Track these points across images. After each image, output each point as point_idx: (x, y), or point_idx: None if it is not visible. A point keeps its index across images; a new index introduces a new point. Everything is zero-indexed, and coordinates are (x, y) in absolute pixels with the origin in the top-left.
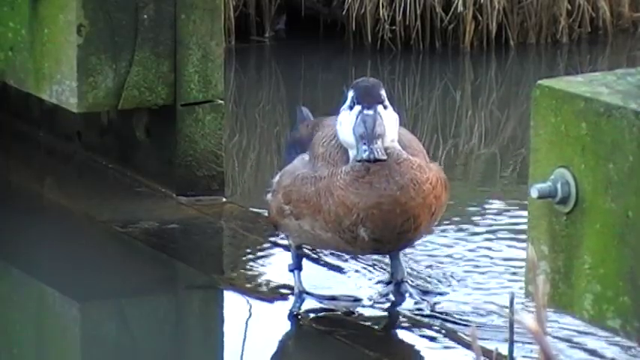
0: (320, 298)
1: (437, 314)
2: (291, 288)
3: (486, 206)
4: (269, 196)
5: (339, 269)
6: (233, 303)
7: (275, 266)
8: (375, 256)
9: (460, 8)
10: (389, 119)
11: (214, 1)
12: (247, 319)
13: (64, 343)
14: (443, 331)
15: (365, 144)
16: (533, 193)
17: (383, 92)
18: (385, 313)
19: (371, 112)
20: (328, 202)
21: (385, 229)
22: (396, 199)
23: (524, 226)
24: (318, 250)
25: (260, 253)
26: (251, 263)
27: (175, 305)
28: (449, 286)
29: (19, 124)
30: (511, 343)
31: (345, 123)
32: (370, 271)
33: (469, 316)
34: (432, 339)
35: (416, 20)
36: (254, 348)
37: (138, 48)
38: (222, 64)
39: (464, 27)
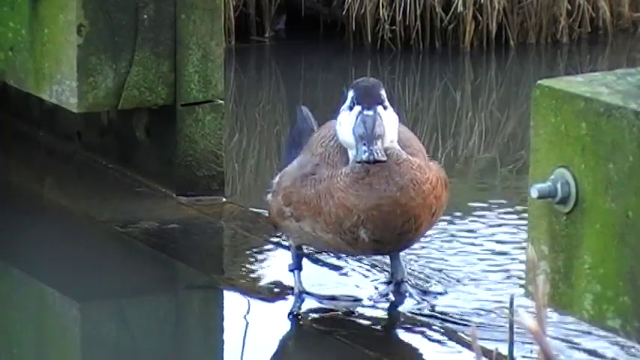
0: (320, 298)
1: (437, 314)
2: (291, 288)
3: (486, 206)
4: (269, 196)
5: (339, 269)
6: (233, 303)
7: (275, 266)
8: (375, 257)
9: (460, 8)
10: (389, 120)
11: (214, 1)
12: (247, 319)
13: (64, 343)
14: (443, 331)
15: (365, 145)
16: (533, 193)
17: (383, 92)
18: (385, 313)
19: (371, 112)
20: (328, 203)
21: (386, 230)
22: (396, 200)
23: (525, 226)
24: (318, 250)
25: (260, 253)
26: (251, 263)
27: (175, 305)
28: (449, 286)
29: (19, 124)
30: (511, 343)
31: (345, 123)
32: (370, 271)
33: (469, 316)
34: (432, 339)
35: (416, 20)
36: (254, 348)
37: (138, 48)
38: (222, 64)
39: (464, 27)
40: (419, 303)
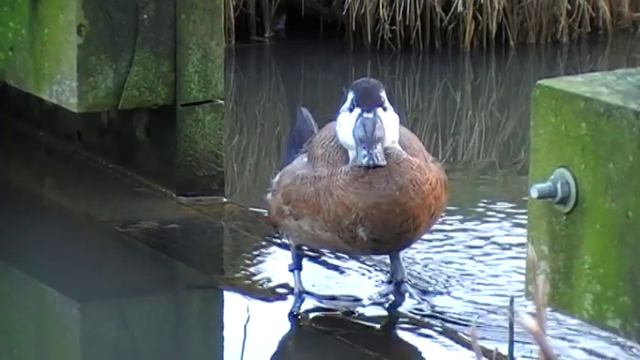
0: (320, 298)
1: (437, 314)
2: (291, 288)
3: (486, 206)
4: (269, 195)
5: (339, 269)
6: (233, 303)
7: (275, 266)
8: (376, 257)
9: (460, 8)
10: (389, 121)
11: (214, 1)
12: (247, 319)
13: (64, 343)
14: (443, 331)
15: (364, 148)
16: (533, 193)
17: (383, 94)
18: (385, 313)
19: (370, 115)
20: (328, 201)
21: (384, 229)
22: (395, 199)
23: (525, 226)
24: (318, 250)
25: (260, 253)
26: (251, 263)
27: (175, 305)
28: (449, 286)
29: (19, 124)
30: (511, 343)
31: (345, 125)
32: (370, 271)
33: (469, 316)
34: (432, 339)
35: (416, 20)
36: (254, 348)
37: (138, 48)
38: (222, 64)
39: (464, 27)
40: (419, 303)
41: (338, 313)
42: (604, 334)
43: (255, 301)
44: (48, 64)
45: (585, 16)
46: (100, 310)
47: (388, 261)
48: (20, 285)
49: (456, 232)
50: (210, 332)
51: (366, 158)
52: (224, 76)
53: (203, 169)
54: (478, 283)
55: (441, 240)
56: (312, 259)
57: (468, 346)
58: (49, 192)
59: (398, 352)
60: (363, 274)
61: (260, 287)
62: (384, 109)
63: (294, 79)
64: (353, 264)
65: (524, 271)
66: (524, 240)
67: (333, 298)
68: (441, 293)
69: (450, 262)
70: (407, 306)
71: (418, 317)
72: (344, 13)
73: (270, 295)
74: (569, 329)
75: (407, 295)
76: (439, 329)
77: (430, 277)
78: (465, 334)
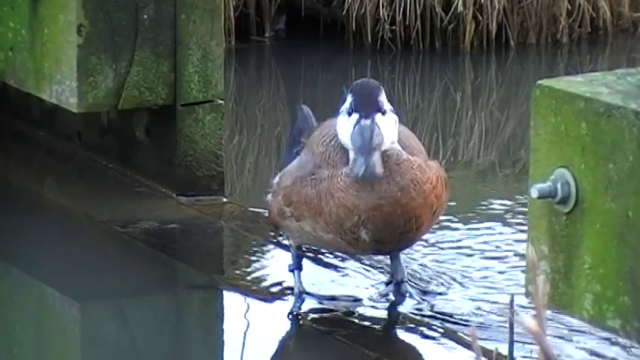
0: (320, 298)
1: (437, 314)
2: (291, 288)
3: (486, 206)
4: (269, 196)
5: (339, 269)
6: (233, 303)
7: (275, 266)
8: (376, 257)
9: (460, 8)
10: (388, 124)
11: (214, 1)
12: (247, 319)
13: (64, 343)
14: (443, 331)
15: (361, 156)
16: (533, 193)
17: (382, 97)
18: (385, 313)
19: (368, 122)
20: (329, 204)
21: (386, 230)
22: (396, 200)
23: (525, 226)
24: (318, 250)
25: (260, 253)
26: (251, 263)
27: (175, 305)
28: (449, 286)
29: (19, 124)
30: (511, 343)
31: (343, 128)
32: (370, 271)
33: (469, 316)
34: (432, 339)
35: (416, 20)
36: (254, 348)
37: (138, 48)
38: (222, 64)
39: (464, 27)
40: (419, 303)
41: (338, 313)
42: (604, 334)
43: (255, 301)
44: (48, 64)
45: (585, 16)
46: (100, 310)
47: (388, 261)
48: (20, 285)
49: (456, 232)
50: (210, 332)
51: (362, 169)
52: (224, 76)
53: (203, 169)
54: (478, 283)
55: (441, 240)
56: (312, 259)
57: (468, 346)
58: (49, 192)
59: (398, 352)
60: (363, 274)
61: (260, 287)
62: (383, 113)
63: (294, 79)
64: (353, 264)
65: (524, 271)
66: (524, 240)
67: (333, 298)
68: (441, 293)
69: (450, 262)
70: (407, 306)
71: (418, 317)
72: (344, 13)
73: (270, 295)
74: (570, 329)
75: (407, 295)
76: (439, 329)
77: (430, 277)
78: (465, 334)
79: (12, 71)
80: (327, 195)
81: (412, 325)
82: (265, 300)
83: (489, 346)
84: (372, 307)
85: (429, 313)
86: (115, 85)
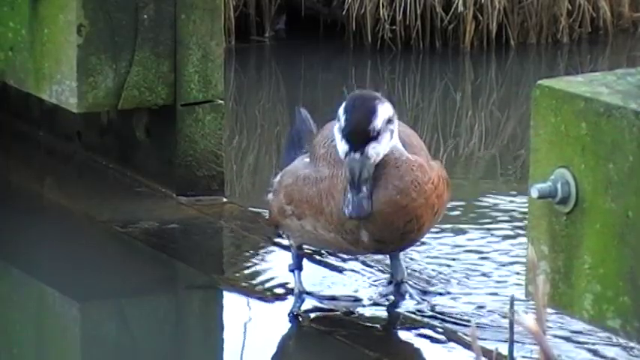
0: (320, 298)
1: (437, 314)
2: (291, 288)
3: (486, 206)
4: (270, 196)
5: (339, 269)
6: (233, 303)
7: (275, 266)
8: (376, 256)
9: (460, 8)
10: (382, 146)
11: (214, 1)
12: (247, 319)
13: (64, 343)
14: (443, 331)
15: (351, 192)
16: (533, 193)
17: (376, 120)
18: (385, 313)
19: (357, 155)
20: (330, 204)
21: (387, 230)
22: (397, 202)
23: (525, 226)
24: (318, 250)
25: (260, 253)
26: (251, 263)
27: (175, 305)
28: (449, 286)
29: (19, 124)
30: (511, 343)
31: (338, 147)
32: (370, 271)
33: (469, 316)
34: (432, 339)
35: (416, 20)
36: (254, 348)
37: (138, 48)
38: (222, 64)
39: (464, 27)
40: (419, 303)
41: (338, 313)
42: (604, 334)
43: (255, 301)
44: (48, 64)
45: (586, 16)
46: (100, 310)
47: (388, 261)
48: (20, 285)
49: (456, 232)
50: (210, 332)
51: (350, 207)
52: (224, 76)
53: (203, 169)
54: (478, 283)
55: (441, 240)
56: (312, 259)
57: (468, 346)
58: (49, 192)
59: (398, 352)
60: (363, 274)
61: (260, 287)
62: (376, 138)
63: (294, 79)
64: (353, 264)
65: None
66: (524, 240)
67: (333, 298)
68: (441, 293)
69: (450, 262)
70: (407, 306)
71: (418, 317)
72: (344, 13)
73: (270, 295)
74: (570, 329)
75: (407, 295)
76: (439, 329)
77: (430, 277)
78: (464, 334)
79: (12, 71)
80: (328, 195)
81: (412, 325)
82: (265, 300)
83: (489, 346)
84: (372, 307)
85: (429, 313)
86: (115, 85)
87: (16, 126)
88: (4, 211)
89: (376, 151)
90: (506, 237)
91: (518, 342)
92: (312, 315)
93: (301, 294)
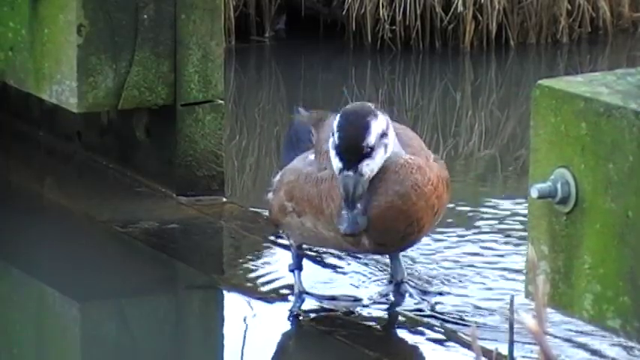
0: (320, 298)
1: (437, 314)
2: (291, 288)
3: (486, 206)
4: (270, 195)
5: (339, 269)
6: (233, 303)
7: (275, 266)
8: (376, 256)
9: (460, 8)
10: (376, 161)
11: (214, 1)
12: (247, 319)
13: (64, 343)
14: (443, 331)
15: (345, 209)
16: (533, 193)
17: (369, 138)
18: (385, 313)
19: (351, 173)
20: (330, 206)
21: (388, 233)
22: (398, 208)
23: (525, 226)
24: (318, 250)
25: (260, 253)
26: (251, 263)
27: (175, 305)
28: (449, 286)
29: (19, 124)
30: (511, 343)
31: (332, 163)
32: (370, 271)
33: (469, 316)
34: (432, 339)
35: (416, 20)
36: (254, 348)
37: (138, 48)
38: (222, 64)
39: (464, 27)
40: (419, 303)
41: (338, 313)
42: (604, 334)
43: (255, 301)
44: (48, 64)
45: (585, 16)
46: (100, 310)
47: (388, 261)
48: (20, 285)
49: (456, 232)
50: (210, 332)
51: (345, 224)
52: (224, 76)
53: (203, 169)
54: (478, 283)
55: (441, 240)
56: (312, 259)
57: (468, 346)
58: (49, 192)
59: (398, 352)
60: (363, 274)
61: (260, 287)
62: (369, 155)
63: (294, 79)
64: (353, 264)
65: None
66: (524, 240)
67: (333, 298)
68: (441, 293)
69: (450, 262)
70: (407, 306)
71: (418, 317)
72: (344, 13)
73: (270, 295)
74: (570, 329)
75: (407, 295)
76: (439, 329)
77: (430, 277)
78: (464, 334)
79: (12, 71)
80: (328, 198)
81: (412, 325)
82: (265, 300)
83: (489, 346)
84: (372, 307)
85: (429, 313)
86: (115, 85)
87: (16, 126)
88: (4, 211)
89: (370, 167)
90: (506, 237)
91: (518, 342)
92: (312, 315)
93: (301, 294)
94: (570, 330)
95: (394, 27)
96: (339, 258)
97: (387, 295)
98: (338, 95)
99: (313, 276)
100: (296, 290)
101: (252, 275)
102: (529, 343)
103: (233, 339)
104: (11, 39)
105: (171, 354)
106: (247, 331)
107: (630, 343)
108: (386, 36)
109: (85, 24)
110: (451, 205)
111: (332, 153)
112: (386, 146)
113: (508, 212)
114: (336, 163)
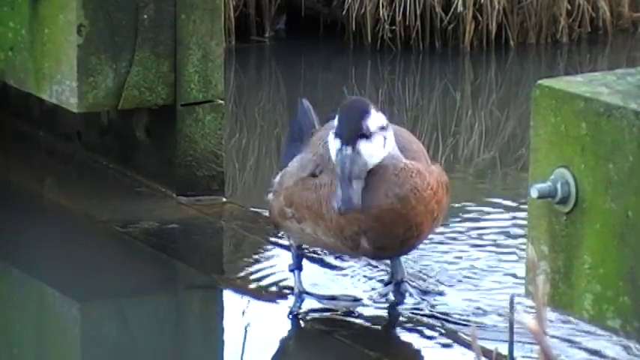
0: (320, 298)
1: (437, 314)
2: (291, 288)
3: (486, 206)
4: (270, 196)
5: (339, 269)
6: (233, 303)
7: (275, 266)
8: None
9: (460, 8)
10: (374, 147)
11: (214, 1)
12: (247, 319)
13: (64, 343)
14: (443, 331)
15: (340, 187)
16: (533, 193)
17: (368, 120)
18: (385, 313)
19: (349, 150)
20: (330, 211)
21: (387, 238)
22: (397, 211)
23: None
24: (318, 250)
25: (260, 253)
26: (251, 263)
27: (175, 305)
28: (449, 286)
29: (19, 124)
30: (511, 343)
31: (331, 149)
32: (370, 271)
33: (469, 316)
34: (432, 339)
35: (416, 20)
36: (254, 348)
37: (138, 48)
38: (222, 64)
39: (464, 27)
40: (419, 303)
41: (338, 313)
42: (605, 333)
43: (255, 301)
44: (48, 64)
45: (585, 16)
46: (100, 310)
47: (388, 261)
48: (20, 285)
49: (456, 232)
50: (210, 332)
51: (340, 202)
52: (224, 76)
53: (203, 169)
54: (478, 283)
55: (441, 240)
56: (312, 259)
57: (468, 346)
58: (49, 192)
59: (398, 352)
60: (363, 274)
61: (260, 287)
62: (368, 138)
63: (294, 79)
64: (353, 264)
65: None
66: (524, 240)
67: (333, 298)
68: (441, 293)
69: (450, 262)
70: (407, 306)
71: (418, 317)
72: (344, 13)
73: (270, 295)
74: (570, 329)
75: (407, 295)
76: (439, 329)
77: (430, 277)
78: (465, 334)
79: (12, 71)
80: (328, 202)
81: (412, 325)
82: (265, 300)
83: (489, 346)
84: (372, 307)
85: (429, 313)
86: (115, 85)
87: (16, 126)
88: (4, 211)
89: (368, 151)
90: (506, 237)
91: (518, 342)
92: (312, 315)
93: (301, 294)
94: (570, 330)
95: (394, 27)
96: (339, 258)
97: (387, 295)
98: (338, 95)
99: (313, 276)
100: (296, 290)
101: (253, 275)
102: (529, 343)
103: (233, 339)
104: (11, 39)
105: (171, 354)
106: (247, 331)
107: (630, 343)
108: (386, 36)
109: (85, 24)
110: (451, 205)
111: (331, 138)
112: (385, 139)
113: (508, 212)
114: (335, 145)
